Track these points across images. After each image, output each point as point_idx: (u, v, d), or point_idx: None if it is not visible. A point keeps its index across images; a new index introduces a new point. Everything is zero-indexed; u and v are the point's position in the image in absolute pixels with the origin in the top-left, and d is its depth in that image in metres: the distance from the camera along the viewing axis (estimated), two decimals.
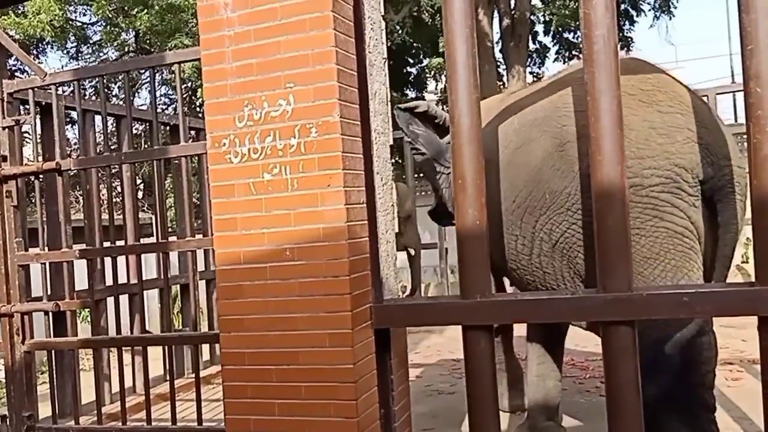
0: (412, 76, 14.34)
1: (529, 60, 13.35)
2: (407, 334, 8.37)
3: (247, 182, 2.37)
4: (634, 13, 13.00)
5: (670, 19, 13.17)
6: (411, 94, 14.80)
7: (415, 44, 12.71)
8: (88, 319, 7.04)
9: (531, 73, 13.99)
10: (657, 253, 2.83)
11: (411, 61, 14.25)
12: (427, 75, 13.09)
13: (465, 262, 2.29)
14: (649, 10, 12.95)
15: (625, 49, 13.32)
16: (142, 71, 12.74)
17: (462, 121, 2.21)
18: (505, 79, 13.01)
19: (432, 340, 8.04)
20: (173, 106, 15.83)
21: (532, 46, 13.82)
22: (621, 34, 13.09)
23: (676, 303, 2.07)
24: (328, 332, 2.29)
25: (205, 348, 6.96)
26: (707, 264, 2.93)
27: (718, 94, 7.58)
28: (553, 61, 14.27)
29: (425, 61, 13.60)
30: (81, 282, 3.75)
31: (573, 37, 13.85)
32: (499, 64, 12.98)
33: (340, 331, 2.28)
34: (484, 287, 2.27)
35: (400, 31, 12.04)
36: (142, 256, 3.61)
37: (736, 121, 16.53)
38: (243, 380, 2.42)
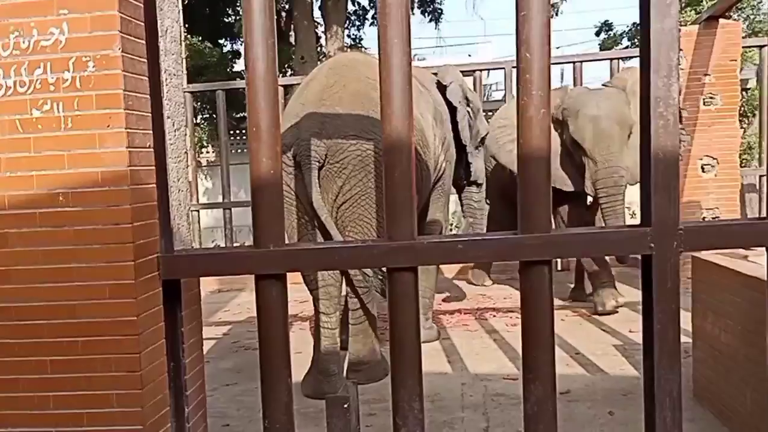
0: (227, 26, 13.74)
1: (347, 21, 13.41)
2: (219, 293, 8.09)
3: (13, 119, 2.11)
4: None
5: None
6: (228, 45, 14.22)
7: None
8: None
9: (349, 36, 14.09)
10: None
11: (227, 10, 13.63)
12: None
13: (258, 211, 2.27)
14: None
15: (435, 21, 13.90)
16: None
17: (257, 66, 2.15)
18: (323, 40, 12.98)
19: (242, 298, 7.96)
20: None
21: (351, 7, 13.90)
22: (432, 6, 13.62)
23: (453, 250, 2.23)
24: (108, 283, 2.15)
25: None
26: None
27: (513, 67, 8.23)
28: (370, 25, 14.49)
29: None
30: None
31: None
32: (318, 23, 12.90)
33: (121, 282, 2.15)
34: (278, 236, 2.27)
35: None
36: None
37: None
38: (9, 337, 2.20)
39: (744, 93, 11.33)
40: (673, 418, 2.19)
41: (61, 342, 2.18)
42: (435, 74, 5.36)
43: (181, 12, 2.42)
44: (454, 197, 6.03)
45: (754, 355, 2.82)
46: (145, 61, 2.22)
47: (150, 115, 2.24)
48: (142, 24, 2.20)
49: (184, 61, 12.37)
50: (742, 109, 11.59)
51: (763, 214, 2.14)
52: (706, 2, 13.07)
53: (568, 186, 5.70)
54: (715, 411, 3.36)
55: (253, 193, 2.26)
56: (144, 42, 2.21)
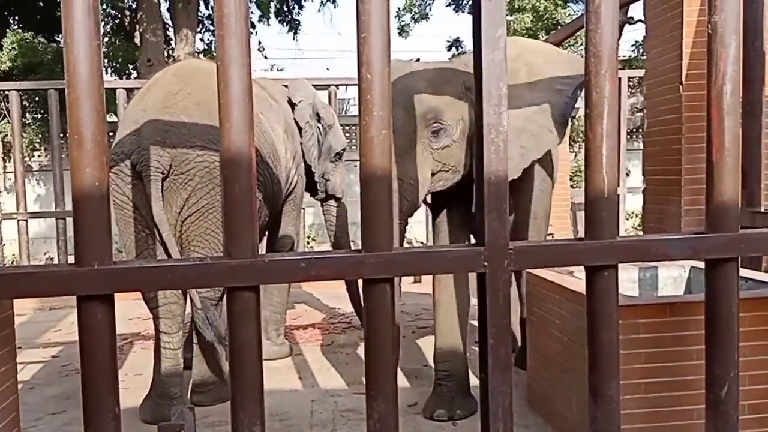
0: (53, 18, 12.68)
1: (200, 26, 12.95)
2: (50, 311, 7.41)
3: None
4: None
5: (335, 7, 14.08)
6: (60, 39, 13.16)
7: None
8: None
9: (202, 39, 13.63)
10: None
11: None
12: None
13: (81, 226, 2.06)
14: None
15: (293, 32, 13.84)
16: None
17: (79, 70, 1.96)
18: (173, 42, 12.44)
19: (76, 316, 7.36)
20: None
21: (204, 11, 13.46)
22: (290, 17, 13.55)
23: (295, 268, 2.18)
24: None
25: None
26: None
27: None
28: None
29: None
30: None
31: None
32: (168, 25, 12.33)
33: None
34: (103, 253, 2.09)
35: None
36: None
37: None
38: None
39: (575, 121, 12.42)
40: (505, 428, 2.29)
41: None
42: (287, 86, 5.26)
43: None
44: (312, 210, 5.86)
45: (578, 364, 3.04)
46: None
47: None
48: None
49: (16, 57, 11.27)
50: (573, 135, 12.69)
51: (582, 235, 2.30)
52: (542, 36, 14.19)
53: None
54: (546, 417, 3.58)
55: (75, 206, 2.05)
56: None
